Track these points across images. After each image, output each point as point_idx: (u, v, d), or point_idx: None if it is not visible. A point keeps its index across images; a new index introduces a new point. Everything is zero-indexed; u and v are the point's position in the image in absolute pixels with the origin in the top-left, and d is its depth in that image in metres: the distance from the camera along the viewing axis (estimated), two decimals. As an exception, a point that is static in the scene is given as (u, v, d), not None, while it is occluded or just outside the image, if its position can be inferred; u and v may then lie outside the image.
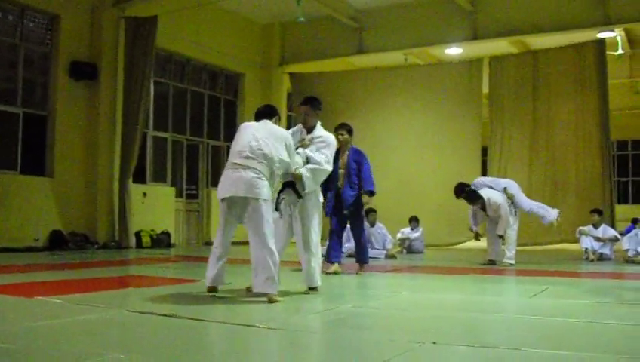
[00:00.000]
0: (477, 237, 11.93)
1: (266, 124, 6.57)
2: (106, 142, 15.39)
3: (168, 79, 17.80)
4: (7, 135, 14.07)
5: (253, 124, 6.63)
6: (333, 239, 9.57)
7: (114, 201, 15.41)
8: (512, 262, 11.02)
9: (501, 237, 11.32)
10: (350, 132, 9.59)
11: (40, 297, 6.23)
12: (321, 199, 7.09)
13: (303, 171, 6.65)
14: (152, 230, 16.06)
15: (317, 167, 6.75)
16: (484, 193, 11.23)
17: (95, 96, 15.35)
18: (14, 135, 14.17)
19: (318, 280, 6.83)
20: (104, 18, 15.45)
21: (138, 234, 15.65)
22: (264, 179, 6.19)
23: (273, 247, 6.13)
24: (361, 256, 9.77)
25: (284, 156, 6.39)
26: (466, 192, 11.41)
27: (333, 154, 6.99)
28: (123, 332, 4.71)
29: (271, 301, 6.04)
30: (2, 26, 14.38)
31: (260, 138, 6.30)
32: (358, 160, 9.58)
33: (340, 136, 9.20)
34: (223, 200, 6.37)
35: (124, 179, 15.37)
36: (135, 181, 15.87)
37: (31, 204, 14.06)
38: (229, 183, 6.26)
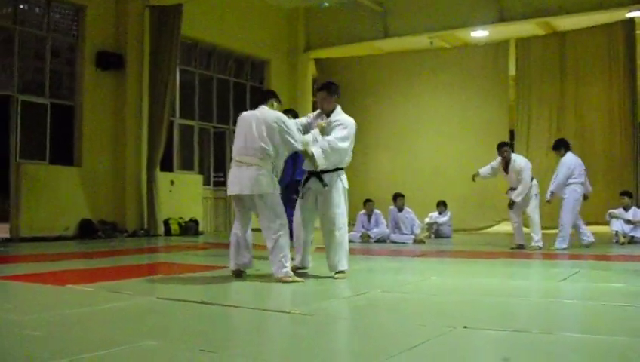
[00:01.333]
0: (473, 178, 11.87)
1: (261, 110, 6.76)
2: (133, 131, 15.48)
3: (194, 67, 17.84)
4: (35, 125, 14.17)
5: (247, 114, 6.83)
6: None
7: (142, 190, 15.50)
8: (540, 244, 10.94)
9: (512, 204, 11.16)
10: (296, 116, 9.65)
11: (71, 285, 6.29)
12: (346, 185, 7.01)
13: (315, 149, 6.69)
14: (181, 218, 16.15)
15: (330, 144, 6.74)
16: (515, 155, 11.39)
17: (122, 85, 15.44)
18: (43, 125, 14.28)
19: (345, 264, 6.84)
20: (129, 7, 15.50)
21: (166, 222, 15.74)
22: (265, 171, 6.49)
23: (281, 234, 6.50)
24: None
25: (279, 140, 6.55)
26: (502, 143, 11.68)
27: (350, 135, 6.90)
28: (154, 319, 4.74)
29: (283, 281, 6.38)
30: (29, 17, 14.49)
31: (254, 130, 6.54)
32: None
33: None
34: (231, 196, 6.83)
35: (151, 168, 15.45)
36: (162, 169, 15.96)
37: (60, 193, 14.19)
38: (234, 181, 6.65)
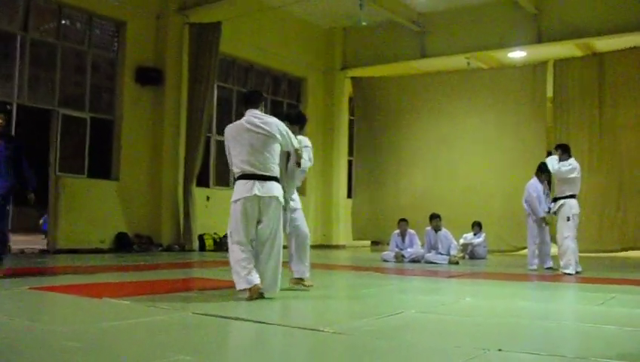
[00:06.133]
0: (546, 222, 11.69)
1: None
2: (170, 146, 15.63)
3: (231, 84, 18.00)
4: (75, 139, 14.40)
5: None
6: None
7: (178, 204, 15.63)
8: (568, 271, 10.44)
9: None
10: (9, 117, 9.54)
11: (108, 298, 6.35)
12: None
13: None
14: (215, 233, 16.24)
15: None
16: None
17: (160, 101, 15.61)
18: (82, 139, 14.49)
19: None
20: (169, 24, 15.71)
21: (201, 237, 15.85)
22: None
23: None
24: None
25: None
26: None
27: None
28: (188, 333, 4.77)
29: None
30: (71, 33, 14.76)
31: None
32: (18, 150, 9.39)
33: None
34: None
35: (187, 183, 15.59)
36: (199, 185, 16.09)
37: (97, 206, 14.37)
38: None
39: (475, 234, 15.07)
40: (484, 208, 16.87)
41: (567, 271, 10.33)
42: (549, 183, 11.78)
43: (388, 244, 14.37)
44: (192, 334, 4.75)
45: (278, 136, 6.62)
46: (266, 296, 6.47)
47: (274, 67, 19.05)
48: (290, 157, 6.96)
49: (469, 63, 19.27)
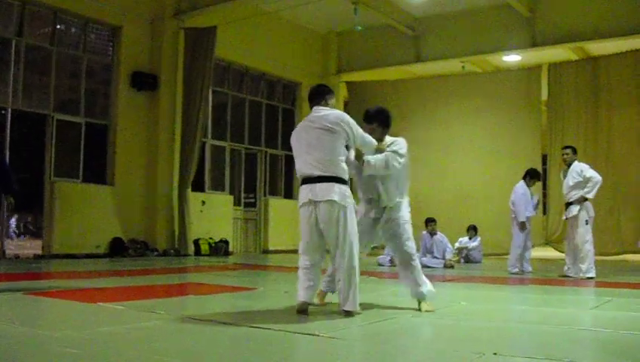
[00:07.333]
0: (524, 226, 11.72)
1: None
2: (165, 151, 15.62)
3: (227, 88, 17.99)
4: (70, 144, 14.37)
5: None
6: None
7: (173, 209, 15.61)
8: (590, 275, 10.40)
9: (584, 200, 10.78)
10: None
11: (102, 303, 6.34)
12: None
13: None
14: (211, 238, 16.23)
15: None
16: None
17: (155, 105, 15.61)
18: (77, 144, 14.47)
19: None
20: (164, 29, 15.72)
21: (197, 242, 15.83)
22: None
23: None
24: None
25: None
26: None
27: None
28: (184, 339, 4.76)
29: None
30: (66, 38, 14.73)
31: None
32: None
33: None
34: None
35: (183, 188, 15.58)
36: (194, 189, 16.07)
37: (93, 211, 14.35)
38: None
39: (470, 238, 15.09)
40: (480, 212, 16.90)
41: (589, 276, 10.31)
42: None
43: (383, 248, 14.35)
44: (187, 339, 4.75)
45: (339, 128, 5.98)
46: (345, 311, 5.85)
47: (269, 72, 19.05)
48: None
49: (464, 67, 19.33)
